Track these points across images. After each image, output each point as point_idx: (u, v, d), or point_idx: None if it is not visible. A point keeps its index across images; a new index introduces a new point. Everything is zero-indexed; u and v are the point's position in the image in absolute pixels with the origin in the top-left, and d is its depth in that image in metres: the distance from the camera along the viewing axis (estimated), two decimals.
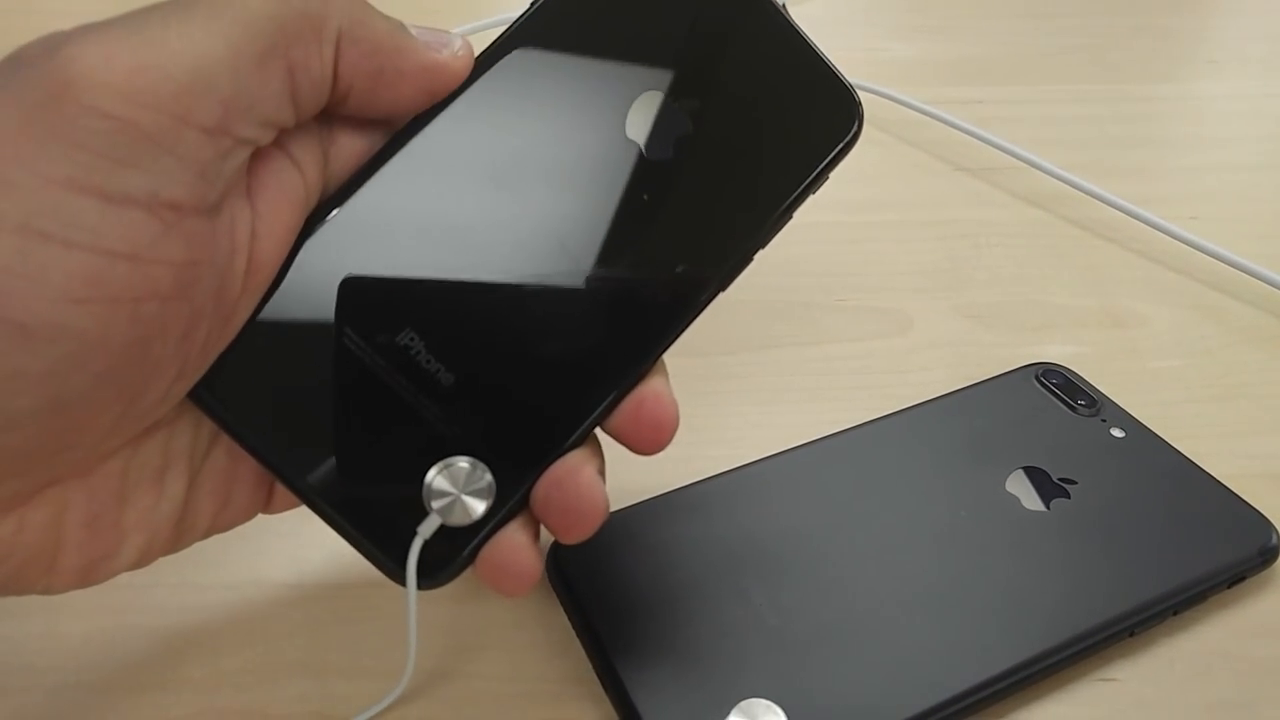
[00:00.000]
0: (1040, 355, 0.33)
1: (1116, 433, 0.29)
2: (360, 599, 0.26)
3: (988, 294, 0.37)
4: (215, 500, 0.22)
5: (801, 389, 0.33)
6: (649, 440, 0.22)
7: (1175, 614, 0.25)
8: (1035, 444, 0.29)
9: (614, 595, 0.25)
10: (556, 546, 0.26)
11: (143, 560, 0.21)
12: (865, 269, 0.38)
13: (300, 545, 0.27)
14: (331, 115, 0.21)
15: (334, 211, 0.21)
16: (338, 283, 0.21)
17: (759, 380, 0.33)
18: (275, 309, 0.21)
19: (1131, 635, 0.25)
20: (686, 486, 0.28)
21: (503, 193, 0.22)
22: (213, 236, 0.19)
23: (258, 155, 0.20)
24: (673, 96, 0.22)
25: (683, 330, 0.23)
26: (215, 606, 0.25)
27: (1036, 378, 0.31)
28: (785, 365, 0.34)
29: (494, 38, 0.23)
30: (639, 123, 0.22)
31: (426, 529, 0.21)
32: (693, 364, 0.33)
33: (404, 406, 0.21)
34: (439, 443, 0.21)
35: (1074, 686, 0.24)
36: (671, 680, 0.23)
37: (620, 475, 0.29)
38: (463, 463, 0.21)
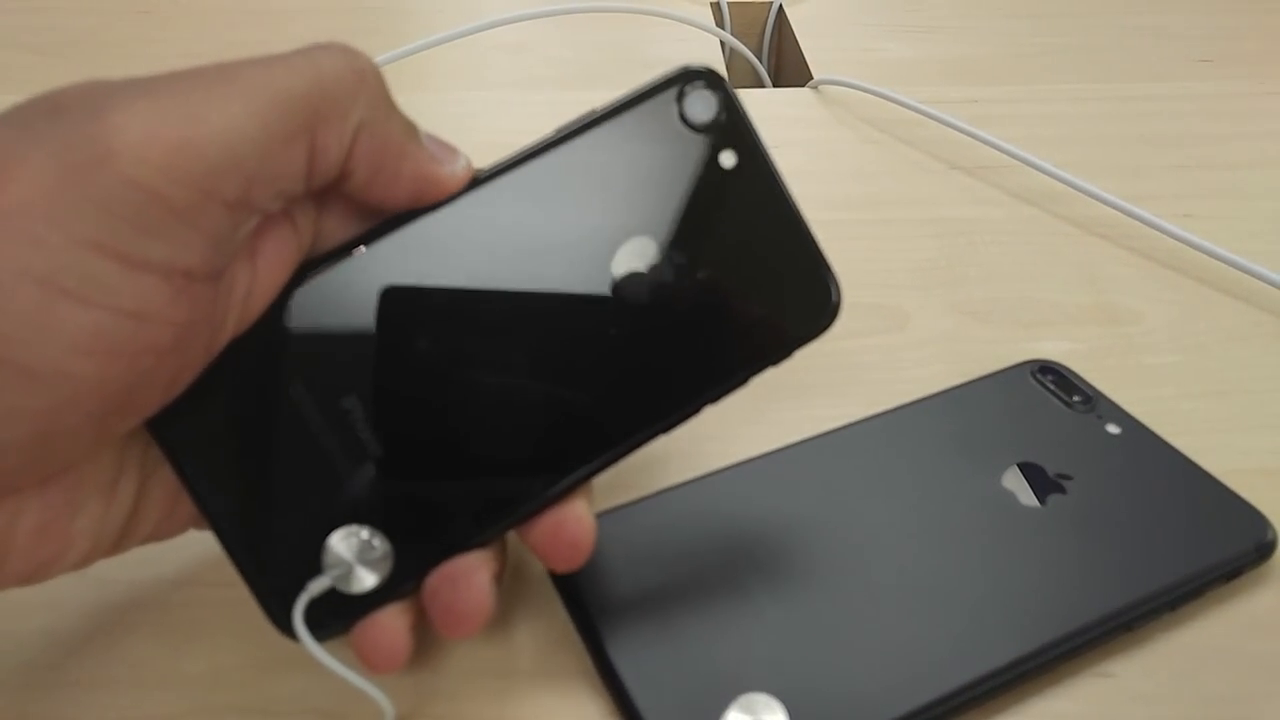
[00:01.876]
0: (1035, 352, 0.33)
1: (1112, 429, 0.30)
2: None
3: (983, 291, 0.37)
4: (160, 510, 0.22)
5: (797, 385, 0.33)
6: (564, 559, 0.23)
7: (1172, 609, 0.25)
8: (1031, 440, 0.29)
9: (612, 590, 0.25)
10: None
11: (83, 564, 0.21)
12: (861, 266, 0.38)
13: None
14: (329, 191, 0.22)
15: (315, 274, 0.22)
16: (297, 335, 0.22)
17: (757, 377, 0.33)
18: (235, 349, 0.21)
19: (1129, 630, 0.25)
20: (685, 483, 0.28)
21: (473, 295, 0.22)
22: (214, 298, 0.20)
23: (264, 219, 0.21)
24: (662, 246, 0.23)
25: (616, 462, 0.23)
26: (216, 604, 0.26)
27: (1032, 374, 0.32)
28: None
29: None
30: (623, 262, 0.23)
31: (316, 588, 0.21)
32: None
33: (327, 465, 0.22)
34: (350, 508, 0.22)
35: (1072, 681, 0.24)
36: (670, 675, 0.23)
37: (619, 472, 0.30)
38: (366, 534, 0.22)
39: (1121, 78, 0.52)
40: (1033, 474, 0.28)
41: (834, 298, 0.24)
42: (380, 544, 0.22)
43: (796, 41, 0.55)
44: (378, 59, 0.44)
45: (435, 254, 0.22)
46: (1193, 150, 0.46)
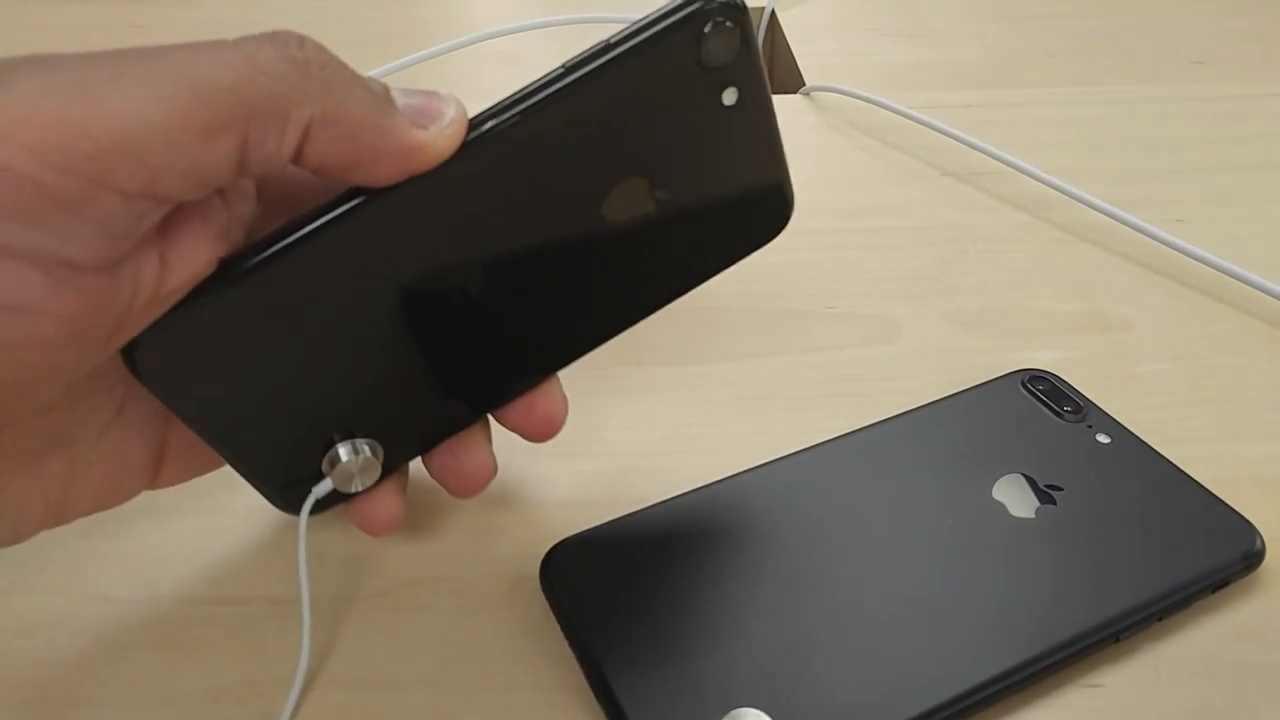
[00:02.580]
0: (1027, 360, 0.33)
1: (1102, 439, 0.30)
2: (359, 614, 0.26)
3: (975, 299, 0.37)
4: (102, 485, 0.22)
5: (790, 397, 0.33)
6: (540, 432, 0.26)
7: (1160, 619, 0.26)
8: (1022, 451, 0.29)
9: (606, 604, 0.25)
10: (549, 560, 0.26)
11: (15, 538, 0.21)
12: (853, 275, 0.38)
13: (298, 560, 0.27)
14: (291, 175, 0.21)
15: (294, 233, 0.21)
16: (285, 270, 0.21)
17: (748, 389, 0.33)
18: (219, 289, 0.21)
19: (1117, 641, 0.25)
20: (677, 497, 0.28)
21: (462, 241, 0.23)
22: (112, 288, 0.19)
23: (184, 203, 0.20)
24: (653, 184, 0.24)
25: (580, 357, 0.26)
26: (215, 621, 0.26)
27: (1023, 384, 0.32)
28: (774, 373, 0.34)
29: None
30: (615, 202, 0.24)
31: (320, 490, 0.24)
32: (682, 372, 0.34)
33: (319, 382, 0.23)
34: (342, 419, 0.24)
35: (1060, 693, 0.25)
36: (662, 689, 0.23)
37: (613, 485, 0.30)
38: (362, 444, 0.24)
39: (1114, 81, 0.52)
40: (1023, 485, 0.28)
41: (790, 208, 0.26)
42: (374, 450, 0.24)
43: (789, 47, 0.55)
44: (373, 71, 0.44)
45: (422, 209, 0.22)
46: (1186, 154, 0.46)
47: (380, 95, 0.21)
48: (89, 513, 0.23)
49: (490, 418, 0.26)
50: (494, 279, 0.24)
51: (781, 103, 0.49)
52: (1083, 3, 0.60)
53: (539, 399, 0.26)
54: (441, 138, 0.21)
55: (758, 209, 0.26)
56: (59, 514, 0.22)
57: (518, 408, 0.26)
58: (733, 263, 0.26)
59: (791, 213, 0.26)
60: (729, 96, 0.23)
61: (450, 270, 0.23)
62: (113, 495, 0.23)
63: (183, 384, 0.22)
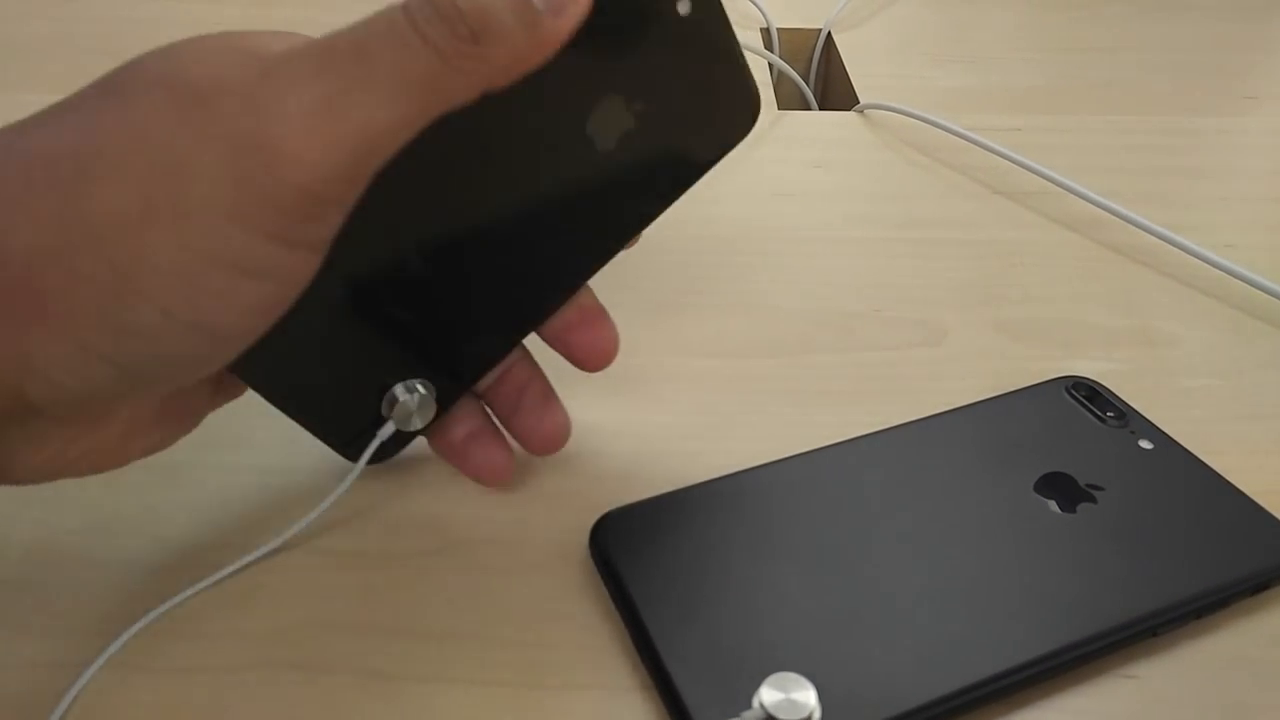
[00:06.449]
0: (1071, 370, 0.34)
1: (1144, 444, 0.30)
2: (413, 567, 0.27)
3: (1021, 310, 0.38)
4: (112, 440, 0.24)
5: (838, 392, 0.34)
6: (593, 361, 0.28)
7: (1198, 617, 0.26)
8: (1064, 451, 0.30)
9: (652, 570, 0.26)
10: (599, 528, 0.27)
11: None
12: (903, 282, 0.39)
13: (358, 516, 0.28)
14: None
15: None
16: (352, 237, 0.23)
17: (798, 383, 0.34)
18: None
19: (1155, 635, 0.25)
20: (727, 475, 0.29)
21: (475, 165, 0.25)
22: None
23: None
24: (629, 99, 0.25)
25: (591, 275, 0.28)
26: (279, 569, 0.27)
27: (1067, 389, 0.32)
28: (823, 369, 0.35)
29: None
30: (601, 122, 0.25)
31: (384, 433, 0.27)
32: (734, 365, 0.35)
33: (374, 334, 0.26)
34: (393, 365, 0.27)
35: (1096, 681, 0.25)
36: (707, 653, 0.24)
37: (660, 465, 0.31)
38: (415, 384, 0.27)
39: (1167, 111, 0.52)
40: (1064, 483, 0.29)
41: (756, 104, 0.26)
42: (428, 391, 0.27)
43: (844, 67, 0.56)
44: None
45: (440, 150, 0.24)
46: (1237, 183, 0.46)
47: (523, 10, 0.21)
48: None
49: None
50: (504, 200, 0.26)
51: (835, 118, 0.51)
52: (1138, 37, 0.60)
53: (598, 338, 0.28)
54: (575, 16, 0.22)
55: (727, 111, 0.26)
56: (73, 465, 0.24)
57: (572, 339, 0.28)
58: (714, 163, 0.27)
59: (759, 109, 0.26)
60: (683, 7, 0.25)
61: (467, 193, 0.25)
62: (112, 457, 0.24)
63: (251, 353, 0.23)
